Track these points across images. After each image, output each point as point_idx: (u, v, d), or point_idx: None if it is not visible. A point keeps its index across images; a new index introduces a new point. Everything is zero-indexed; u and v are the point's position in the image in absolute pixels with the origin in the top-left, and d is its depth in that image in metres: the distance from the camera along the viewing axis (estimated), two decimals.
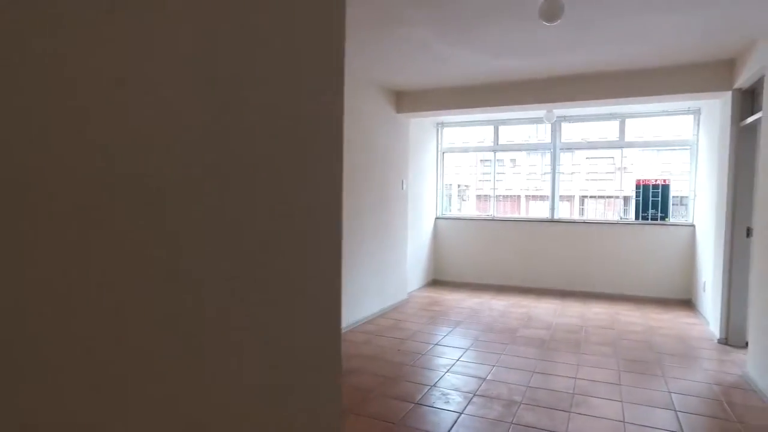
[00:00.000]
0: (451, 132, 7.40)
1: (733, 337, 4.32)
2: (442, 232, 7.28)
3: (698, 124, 5.90)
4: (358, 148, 4.82)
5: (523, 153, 7.51)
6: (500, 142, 7.07)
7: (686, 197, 6.18)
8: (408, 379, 3.48)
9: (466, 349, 4.13)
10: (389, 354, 4.00)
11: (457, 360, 3.86)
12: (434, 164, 7.27)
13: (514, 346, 4.20)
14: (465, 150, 7.29)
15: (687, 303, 5.89)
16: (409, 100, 5.58)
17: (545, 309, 5.62)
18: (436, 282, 7.24)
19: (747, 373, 3.49)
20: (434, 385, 3.37)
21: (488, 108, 5.29)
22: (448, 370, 3.63)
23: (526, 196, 8.56)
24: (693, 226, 5.94)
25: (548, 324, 4.95)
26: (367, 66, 4.52)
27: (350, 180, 4.64)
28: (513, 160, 8.25)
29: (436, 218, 7.31)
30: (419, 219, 6.75)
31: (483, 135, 7.30)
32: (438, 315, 5.31)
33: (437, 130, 7.30)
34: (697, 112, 5.88)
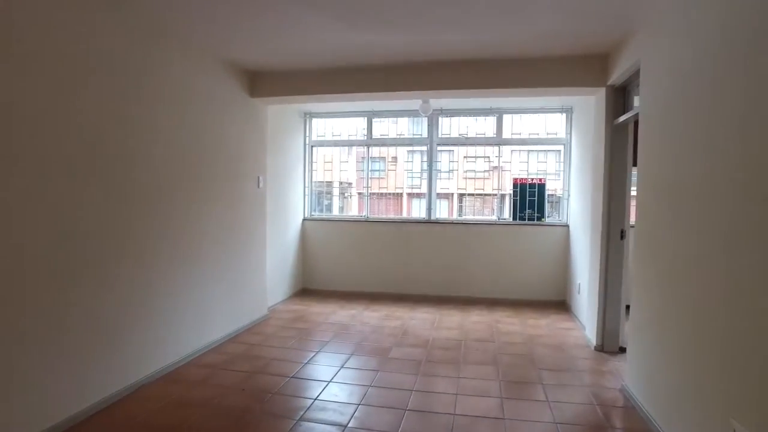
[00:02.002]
0: (321, 124, 6.66)
1: (608, 343, 4.14)
2: (311, 235, 6.52)
3: (570, 123, 5.82)
4: (198, 138, 3.87)
5: (405, 149, 7.00)
6: (374, 135, 6.49)
7: (560, 197, 6.10)
8: None
9: (329, 382, 3.41)
10: (230, 396, 3.14)
11: (315, 399, 3.13)
12: (302, 159, 6.47)
13: (386, 374, 3.57)
14: (336, 144, 6.58)
15: (562, 305, 5.79)
16: (266, 82, 4.72)
17: (422, 320, 5.12)
18: (305, 291, 6.46)
19: (626, 387, 3.22)
20: None
21: (357, 94, 4.61)
22: (301, 417, 2.87)
23: (408, 194, 8.16)
24: (567, 226, 5.86)
25: (425, 340, 4.42)
26: (202, 33, 3.59)
27: (186, 176, 3.69)
28: (395, 158, 7.74)
29: (304, 220, 6.53)
30: (283, 221, 5.91)
31: (356, 128, 6.66)
32: (301, 335, 4.54)
33: (305, 121, 6.51)
34: (569, 111, 5.79)
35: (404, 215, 7.81)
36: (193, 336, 3.86)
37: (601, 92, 4.16)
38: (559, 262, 5.86)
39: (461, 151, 6.77)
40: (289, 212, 6.06)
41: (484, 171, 6.50)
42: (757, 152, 1.84)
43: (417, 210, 6.61)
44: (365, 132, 6.48)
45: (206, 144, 4.00)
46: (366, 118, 6.44)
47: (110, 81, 2.96)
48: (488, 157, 6.34)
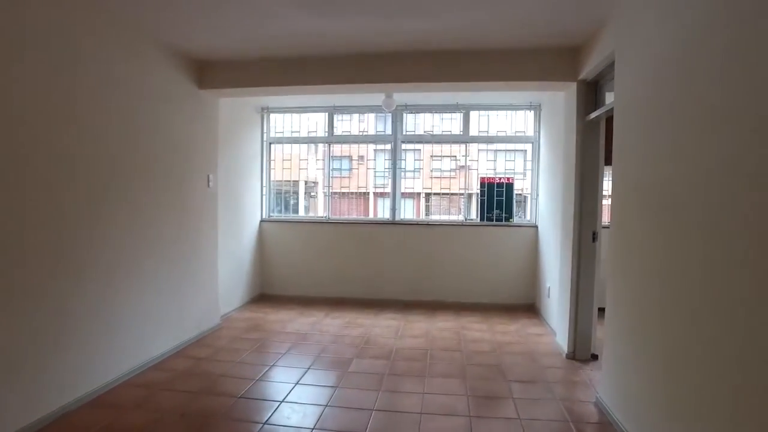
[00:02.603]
0: (280, 120, 6.29)
1: (580, 351, 3.95)
2: (269, 237, 6.14)
3: (539, 121, 5.64)
4: (136, 134, 3.47)
5: (371, 147, 6.70)
6: (337, 132, 6.16)
7: (527, 196, 5.93)
8: None
9: (281, 402, 3.07)
10: (166, 424, 2.78)
11: (264, 423, 2.79)
12: (259, 157, 6.09)
13: (345, 390, 3.27)
14: (295, 141, 6.22)
15: (531, 308, 5.61)
16: (217, 72, 4.33)
17: (386, 327, 4.84)
18: (263, 297, 6.08)
19: (601, 400, 3.02)
20: None
21: (315, 87, 4.28)
22: None
23: (374, 194, 7.88)
24: (536, 227, 5.68)
25: (388, 350, 4.14)
26: (134, 11, 3.20)
27: (123, 176, 3.28)
28: (362, 156, 7.41)
29: (262, 221, 6.15)
30: (239, 222, 5.53)
31: (317, 124, 6.33)
32: (256, 346, 4.18)
33: (262, 116, 6.13)
34: (537, 108, 5.61)
35: (371, 216, 7.53)
36: (132, 352, 3.45)
37: (572, 87, 3.97)
38: (528, 264, 5.68)
39: (427, 149, 6.51)
40: (245, 213, 5.67)
41: (451, 170, 6.27)
42: (738, 151, 1.63)
43: (383, 210, 6.31)
44: (326, 129, 6.15)
45: (146, 141, 3.59)
46: (327, 114, 6.11)
47: (33, 63, 2.55)
48: (455, 156, 6.11)
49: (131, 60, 3.44)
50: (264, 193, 6.18)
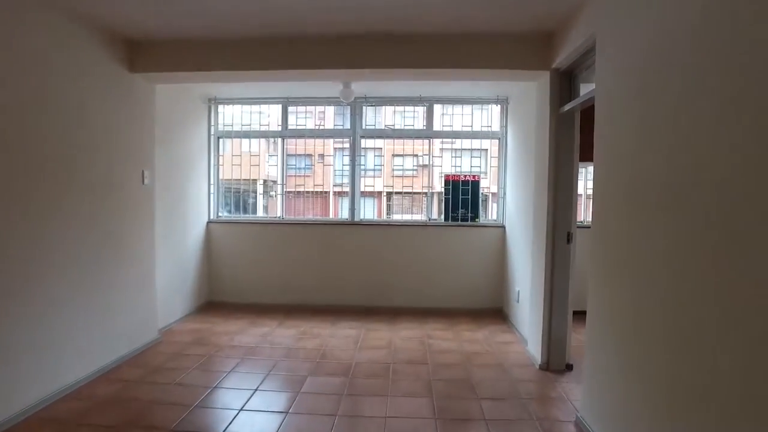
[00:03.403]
0: (229, 111, 5.78)
1: (554, 361, 3.68)
2: (217, 239, 5.63)
3: (506, 115, 5.37)
4: (42, 117, 2.93)
5: (332, 143, 6.27)
6: (292, 125, 5.71)
7: (491, 195, 5.66)
8: None
9: None
10: None
11: None
12: (205, 152, 5.56)
13: (297, 417, 2.85)
14: (246, 135, 5.72)
15: (499, 313, 5.33)
16: (152, 54, 3.82)
17: (344, 338, 4.44)
18: (211, 306, 5.56)
19: (582, 419, 2.73)
20: None
21: (264, 73, 3.83)
22: None
23: (335, 193, 7.47)
24: (503, 227, 5.41)
25: (346, 364, 3.74)
26: None
27: (36, 172, 2.75)
28: (321, 155, 6.97)
29: (209, 222, 5.63)
30: (182, 224, 5.00)
31: (271, 117, 5.86)
32: (198, 364, 3.70)
33: (209, 107, 5.60)
34: (504, 101, 5.34)
35: (331, 216, 7.10)
36: (42, 378, 2.92)
37: (545, 77, 3.68)
38: (495, 266, 5.41)
39: (388, 146, 6.15)
40: (189, 213, 5.15)
41: (414, 167, 5.93)
42: (743, 141, 1.34)
43: (343, 210, 5.89)
44: (280, 122, 5.69)
45: (57, 129, 3.06)
46: (281, 106, 5.65)
47: None
48: (417, 155, 5.76)
49: (38, 31, 2.91)
50: (212, 191, 5.66)
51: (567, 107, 3.49)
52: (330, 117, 6.56)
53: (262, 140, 6.29)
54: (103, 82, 3.51)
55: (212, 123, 5.62)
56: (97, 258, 3.42)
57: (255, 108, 5.70)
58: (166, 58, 3.82)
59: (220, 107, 5.69)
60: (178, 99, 4.85)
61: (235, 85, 5.02)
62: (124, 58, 3.74)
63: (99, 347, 3.46)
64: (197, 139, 5.34)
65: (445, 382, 3.42)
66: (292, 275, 5.55)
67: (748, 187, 1.47)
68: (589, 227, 5.24)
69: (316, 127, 5.75)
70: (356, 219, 5.57)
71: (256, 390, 3.24)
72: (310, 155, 7.20)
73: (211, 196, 5.66)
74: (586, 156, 3.72)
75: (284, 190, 5.77)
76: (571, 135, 3.59)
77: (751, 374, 1.43)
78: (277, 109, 5.72)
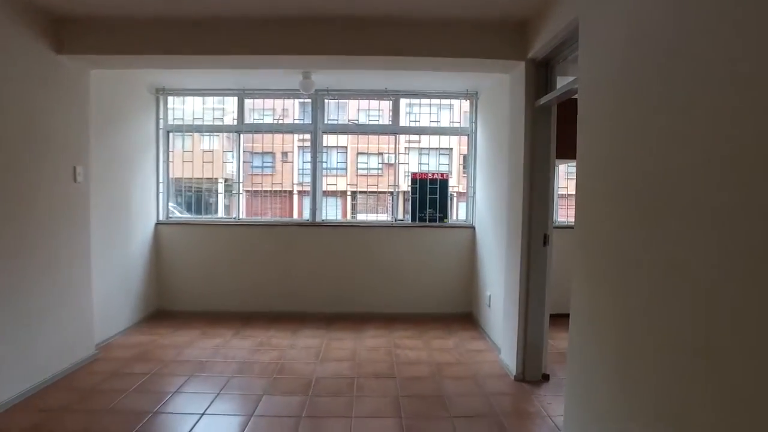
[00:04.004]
0: (180, 103, 5.33)
1: (530, 371, 3.45)
2: (168, 242, 5.18)
3: (475, 110, 5.13)
4: None
5: (296, 142, 5.90)
6: (249, 120, 5.31)
7: (464, 194, 5.42)
8: None
9: None
10: None
11: None
12: (153, 147, 5.10)
13: None
14: (198, 129, 5.27)
15: (468, 318, 5.09)
16: (84, 33, 3.36)
17: (305, 349, 4.09)
18: (160, 315, 5.10)
19: None
20: None
21: (214, 58, 3.45)
22: None
23: (299, 192, 7.12)
24: (473, 227, 5.17)
25: (306, 380, 3.41)
26: None
27: None
28: (286, 154, 6.56)
29: (158, 224, 5.17)
30: (126, 226, 4.54)
31: (230, 110, 5.46)
32: (138, 384, 3.29)
33: (157, 99, 5.14)
34: (474, 96, 5.10)
35: (295, 216, 6.73)
36: None
37: (520, 67, 3.44)
38: (465, 269, 5.17)
39: (353, 144, 5.81)
40: (133, 214, 4.68)
41: (379, 164, 5.63)
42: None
43: (308, 210, 5.52)
44: (236, 115, 5.28)
45: None
46: (237, 99, 5.24)
47: None
48: (382, 153, 5.46)
49: None
50: (161, 190, 5.20)
51: (544, 100, 3.26)
52: (294, 112, 6.18)
53: (224, 136, 5.84)
54: (23, 63, 3.05)
55: (161, 116, 5.16)
56: (16, 267, 2.97)
57: (209, 101, 5.28)
58: (100, 39, 3.38)
59: (170, 99, 5.23)
60: (120, 88, 4.39)
61: (186, 74, 4.59)
62: (49, 37, 3.28)
63: (17, 368, 3.01)
64: (143, 133, 4.88)
65: (414, 398, 3.13)
66: (249, 281, 5.16)
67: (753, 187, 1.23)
68: (565, 227, 5.14)
69: (275, 122, 5.34)
70: (318, 220, 5.23)
71: (203, 414, 2.87)
72: (272, 153, 6.78)
73: (161, 195, 5.20)
74: (562, 153, 3.53)
75: (241, 189, 5.36)
76: (547, 130, 3.36)
77: (760, 384, 1.19)
78: (233, 102, 5.31)
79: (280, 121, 5.38)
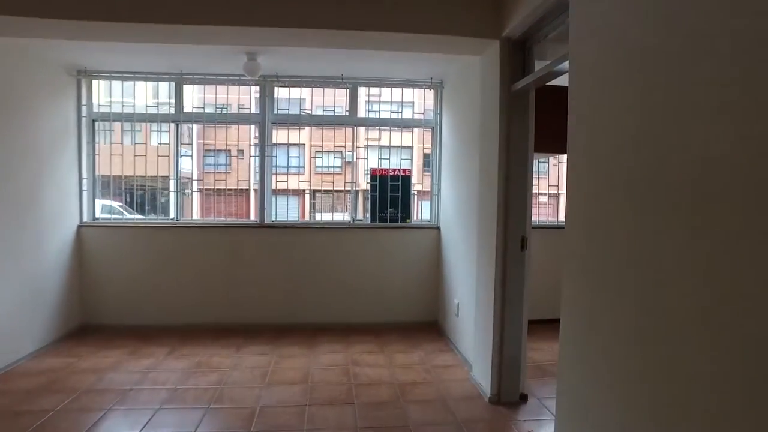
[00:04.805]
0: (106, 88, 4.67)
1: (506, 391, 3.05)
2: (94, 247, 4.51)
3: (440, 100, 4.72)
4: None
5: (250, 134, 5.30)
6: (186, 108, 4.70)
7: (427, 193, 5.00)
8: None
9: None
10: None
11: None
12: (74, 139, 4.42)
13: None
14: (128, 118, 4.61)
15: (433, 327, 4.67)
16: None
17: (249, 370, 3.56)
18: (85, 330, 4.44)
19: None
20: None
21: (137, 27, 2.87)
22: None
23: (255, 191, 6.59)
24: (438, 228, 4.75)
25: (249, 410, 2.88)
26: None
27: None
28: (241, 151, 5.95)
29: (81, 226, 4.49)
30: (35, 229, 3.86)
31: (161, 96, 4.84)
32: (36, 425, 2.67)
33: (78, 82, 4.46)
34: (439, 85, 4.68)
35: (253, 217, 6.12)
36: None
37: (494, 47, 3.03)
38: (429, 273, 4.75)
39: (305, 138, 5.28)
40: (45, 215, 4.00)
41: (336, 158, 5.12)
42: None
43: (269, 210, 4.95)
44: (172, 103, 4.66)
45: None
46: (174, 84, 4.63)
47: None
48: (341, 150, 4.97)
49: None
50: (84, 188, 4.52)
51: (521, 84, 2.86)
52: (252, 106, 5.57)
53: (171, 129, 5.18)
54: None
55: (83, 102, 4.48)
56: None
57: (140, 85, 4.63)
58: None
59: (94, 82, 4.56)
60: (28, 67, 3.73)
61: (112, 52, 3.94)
62: None
63: None
64: (60, 122, 4.20)
65: (376, 430, 2.66)
66: (189, 290, 4.56)
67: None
68: (544, 228, 4.80)
69: (218, 111, 4.75)
70: (267, 220, 4.68)
71: None
72: (227, 150, 6.18)
73: (85, 193, 4.52)
74: (540, 146, 3.16)
75: (178, 186, 4.74)
76: (525, 119, 2.97)
77: None
78: (169, 87, 4.69)
79: (224, 110, 4.79)
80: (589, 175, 1.88)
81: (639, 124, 1.55)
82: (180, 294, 4.55)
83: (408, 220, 4.84)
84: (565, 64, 2.38)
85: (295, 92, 4.69)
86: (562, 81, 2.93)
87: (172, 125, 4.68)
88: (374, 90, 4.79)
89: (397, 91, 4.73)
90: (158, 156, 4.64)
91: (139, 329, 4.46)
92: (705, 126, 1.27)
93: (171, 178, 4.74)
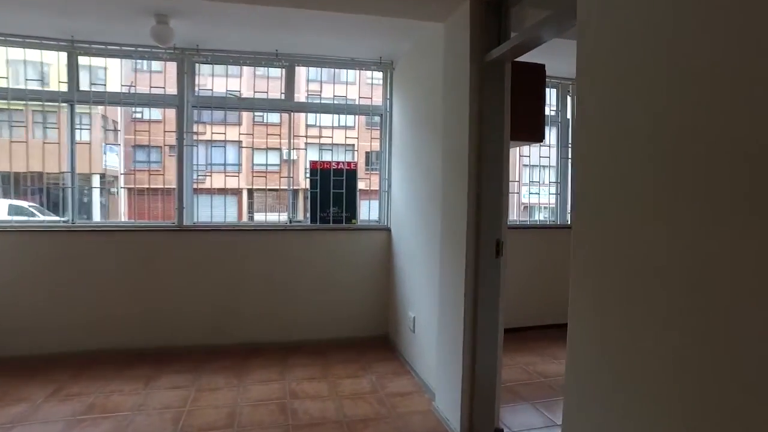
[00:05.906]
0: None
1: (479, 424, 2.53)
2: None
3: (389, 84, 4.15)
4: None
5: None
6: (83, 85, 3.85)
7: (374, 191, 4.42)
8: None
9: None
10: None
11: None
12: None
13: None
14: (3, 96, 3.69)
15: (383, 343, 4.10)
16: None
17: (159, 411, 2.82)
18: None
19: None
20: None
21: None
22: None
23: (195, 189, 5.84)
24: (388, 230, 4.19)
25: None
26: None
27: None
28: (172, 147, 5.07)
29: None
30: None
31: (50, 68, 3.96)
32: None
33: None
34: (389, 66, 4.10)
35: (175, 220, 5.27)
36: None
37: (462, 8, 2.49)
38: (378, 281, 4.17)
39: (246, 136, 4.49)
40: None
41: (270, 154, 4.41)
42: None
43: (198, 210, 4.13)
44: (65, 77, 3.79)
45: None
46: (66, 54, 3.76)
47: None
48: (279, 147, 4.29)
49: None
50: None
51: (496, 53, 2.34)
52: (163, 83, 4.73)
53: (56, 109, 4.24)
54: None
55: None
56: None
57: (19, 52, 3.72)
58: None
59: None
60: None
61: None
62: None
63: None
64: None
65: None
66: (89, 308, 3.72)
67: None
68: (521, 228, 4.33)
69: (125, 92, 3.91)
70: (188, 222, 3.93)
71: None
72: (159, 147, 5.30)
73: None
74: (518, 133, 2.67)
75: (74, 182, 3.87)
76: (501, 96, 2.45)
77: None
78: (58, 57, 3.82)
79: (133, 90, 3.96)
80: (603, 162, 1.36)
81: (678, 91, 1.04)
82: (78, 314, 3.70)
83: (354, 221, 4.24)
84: (551, 30, 1.89)
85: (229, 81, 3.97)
86: (539, 55, 2.47)
87: (65, 106, 3.80)
88: (313, 71, 4.14)
89: (341, 73, 4.11)
90: (44, 143, 3.73)
91: (24, 360, 3.57)
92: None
93: (67, 172, 3.85)
